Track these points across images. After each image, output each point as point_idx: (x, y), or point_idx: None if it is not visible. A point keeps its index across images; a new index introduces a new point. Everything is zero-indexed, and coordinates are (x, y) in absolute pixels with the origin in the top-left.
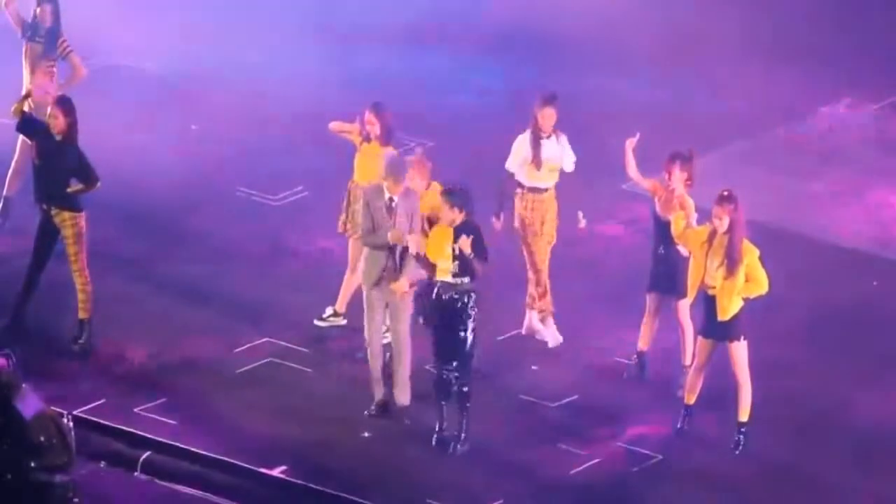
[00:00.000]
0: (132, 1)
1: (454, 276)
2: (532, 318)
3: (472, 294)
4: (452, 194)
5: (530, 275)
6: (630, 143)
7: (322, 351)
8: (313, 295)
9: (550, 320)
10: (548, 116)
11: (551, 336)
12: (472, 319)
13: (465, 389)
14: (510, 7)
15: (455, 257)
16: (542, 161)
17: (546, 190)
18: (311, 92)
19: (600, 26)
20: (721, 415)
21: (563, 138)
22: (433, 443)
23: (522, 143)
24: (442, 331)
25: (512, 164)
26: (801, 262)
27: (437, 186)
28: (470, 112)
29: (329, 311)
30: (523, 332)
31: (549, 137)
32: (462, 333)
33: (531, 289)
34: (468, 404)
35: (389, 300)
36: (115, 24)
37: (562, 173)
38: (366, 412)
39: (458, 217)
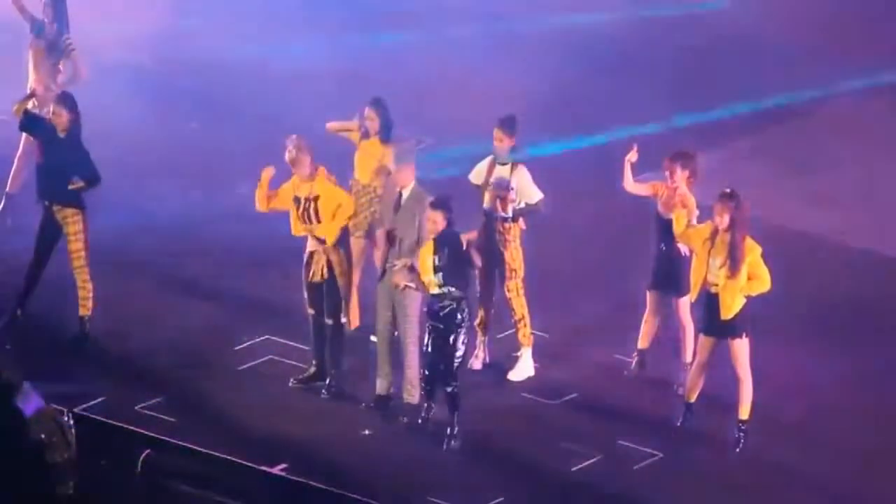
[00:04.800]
0: None
1: (440, 286)
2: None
3: (462, 301)
4: (441, 202)
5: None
6: (629, 158)
7: None
8: None
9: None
10: (495, 138)
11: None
12: (462, 326)
13: (450, 391)
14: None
15: (437, 269)
16: (487, 184)
17: (499, 218)
18: (311, 88)
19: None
20: (721, 413)
21: (521, 169)
22: (418, 420)
23: (482, 163)
24: (437, 338)
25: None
26: (803, 259)
27: (322, 172)
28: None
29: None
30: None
31: (504, 164)
32: (452, 339)
33: (481, 313)
34: (457, 403)
35: (395, 298)
36: (117, 20)
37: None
38: (363, 404)
39: (440, 219)
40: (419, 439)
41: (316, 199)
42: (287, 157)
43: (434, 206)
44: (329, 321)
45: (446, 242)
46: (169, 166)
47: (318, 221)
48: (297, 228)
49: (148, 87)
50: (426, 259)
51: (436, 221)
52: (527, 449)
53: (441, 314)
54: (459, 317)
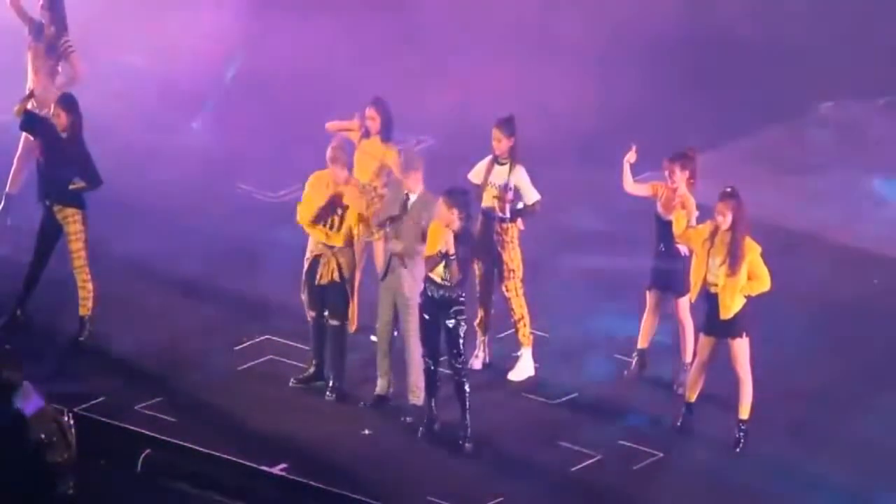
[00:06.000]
0: None
1: (443, 279)
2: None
3: (460, 291)
4: (451, 194)
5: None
6: (628, 159)
7: None
8: None
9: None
10: (494, 138)
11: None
12: (461, 315)
13: (458, 378)
14: None
15: (449, 260)
16: (486, 184)
17: (497, 219)
18: (310, 88)
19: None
20: (721, 413)
21: (519, 169)
22: (419, 435)
23: (482, 162)
24: (431, 326)
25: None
26: (802, 259)
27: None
28: None
29: None
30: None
31: (503, 163)
32: (452, 329)
33: (480, 313)
34: (465, 398)
35: (397, 299)
36: (116, 19)
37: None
38: (363, 404)
39: (455, 219)
40: (419, 439)
41: (345, 209)
42: (329, 154)
43: (447, 200)
44: (335, 322)
45: (459, 240)
46: (169, 166)
47: (339, 230)
48: (310, 224)
49: (147, 87)
50: (438, 245)
51: (450, 218)
52: (527, 449)
53: (438, 302)
54: (457, 305)
